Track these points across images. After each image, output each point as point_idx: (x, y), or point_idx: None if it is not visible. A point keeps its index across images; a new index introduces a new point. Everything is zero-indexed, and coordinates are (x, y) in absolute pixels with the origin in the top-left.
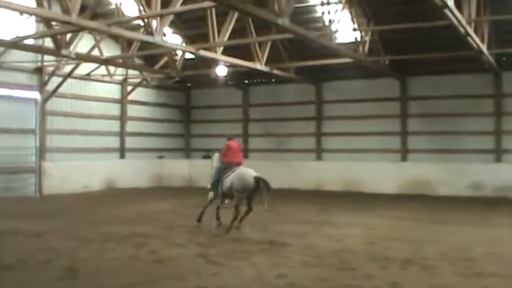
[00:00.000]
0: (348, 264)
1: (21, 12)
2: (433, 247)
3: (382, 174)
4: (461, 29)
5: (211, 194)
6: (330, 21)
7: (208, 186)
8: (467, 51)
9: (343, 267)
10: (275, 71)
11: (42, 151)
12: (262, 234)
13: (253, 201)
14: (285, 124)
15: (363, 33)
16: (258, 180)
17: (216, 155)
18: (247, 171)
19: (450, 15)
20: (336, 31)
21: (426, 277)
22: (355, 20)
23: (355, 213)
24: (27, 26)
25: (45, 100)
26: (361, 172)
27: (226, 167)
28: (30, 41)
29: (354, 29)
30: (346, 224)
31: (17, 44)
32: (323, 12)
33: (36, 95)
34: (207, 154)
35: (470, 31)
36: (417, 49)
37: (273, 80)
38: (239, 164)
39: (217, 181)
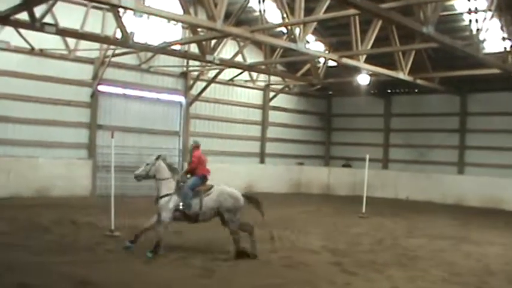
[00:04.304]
0: (486, 284)
1: (169, 19)
2: None
3: None
4: None
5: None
6: (477, 30)
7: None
8: None
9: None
10: (418, 81)
11: (185, 153)
12: (398, 247)
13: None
14: (427, 135)
15: None
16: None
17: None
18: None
19: None
20: (484, 40)
21: None
22: (504, 28)
23: (496, 232)
24: (174, 33)
25: (189, 104)
26: (505, 189)
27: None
28: (176, 47)
29: (503, 38)
30: (486, 243)
31: (164, 50)
32: (470, 21)
33: (181, 98)
34: (347, 163)
35: None
36: None
37: (416, 90)
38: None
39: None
